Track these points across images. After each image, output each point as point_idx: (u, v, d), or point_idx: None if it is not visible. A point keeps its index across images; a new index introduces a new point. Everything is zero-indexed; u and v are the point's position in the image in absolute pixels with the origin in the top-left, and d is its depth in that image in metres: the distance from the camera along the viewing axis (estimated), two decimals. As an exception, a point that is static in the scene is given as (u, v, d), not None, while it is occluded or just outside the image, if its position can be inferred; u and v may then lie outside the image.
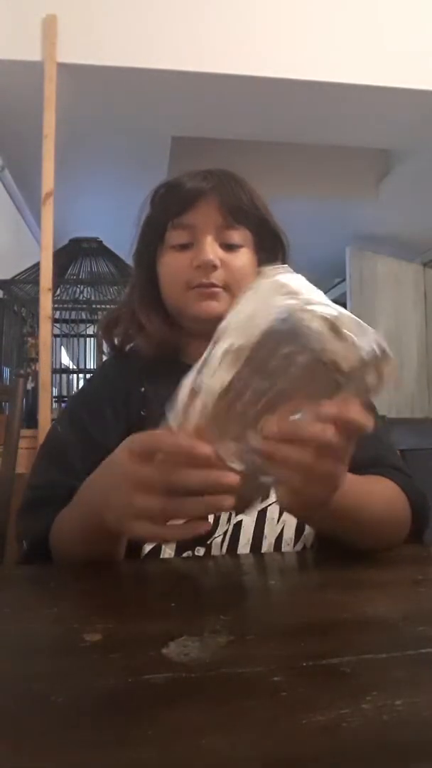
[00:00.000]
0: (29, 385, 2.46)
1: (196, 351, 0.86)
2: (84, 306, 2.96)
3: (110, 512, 0.53)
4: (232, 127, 2.94)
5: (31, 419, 2.28)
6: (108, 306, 3.00)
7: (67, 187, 2.73)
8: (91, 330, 3.06)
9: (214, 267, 0.79)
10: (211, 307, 0.79)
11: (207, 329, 0.84)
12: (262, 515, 0.74)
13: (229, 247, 0.81)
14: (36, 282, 2.28)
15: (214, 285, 0.79)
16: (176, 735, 0.31)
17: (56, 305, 2.62)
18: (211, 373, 0.49)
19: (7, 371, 2.88)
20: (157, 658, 0.40)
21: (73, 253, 2.87)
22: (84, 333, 3.02)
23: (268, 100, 2.60)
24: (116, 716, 0.33)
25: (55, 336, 2.72)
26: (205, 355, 0.51)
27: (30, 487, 0.78)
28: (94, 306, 2.99)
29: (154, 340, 0.84)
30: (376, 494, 0.71)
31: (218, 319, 0.80)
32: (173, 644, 0.42)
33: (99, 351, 3.15)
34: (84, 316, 3.04)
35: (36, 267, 2.41)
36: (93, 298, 2.93)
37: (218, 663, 0.39)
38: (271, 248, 0.85)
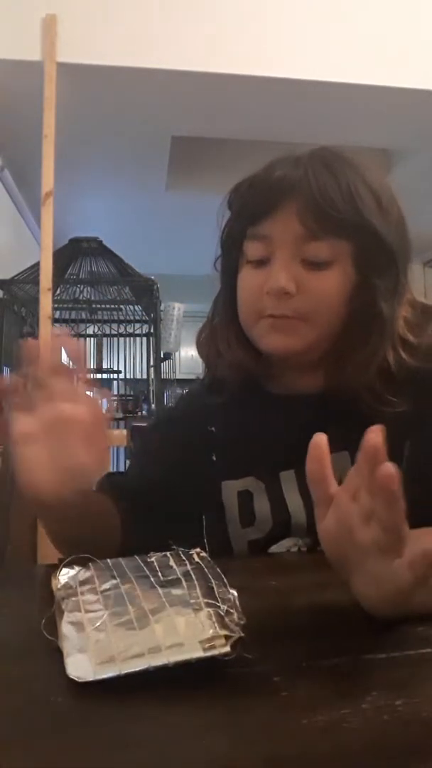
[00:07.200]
0: (29, 385, 2.45)
1: (291, 382, 0.73)
2: (84, 306, 2.96)
3: None
4: (232, 127, 2.94)
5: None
6: (108, 306, 3.01)
7: (67, 187, 2.73)
8: (91, 330, 3.06)
9: (287, 294, 0.64)
10: (280, 342, 0.66)
11: (290, 364, 0.70)
12: None
13: (314, 265, 0.64)
14: (36, 282, 2.27)
15: (286, 316, 0.65)
16: (176, 735, 0.32)
17: (56, 305, 2.62)
18: None
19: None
20: (157, 658, 0.40)
21: (73, 253, 2.86)
22: (84, 333, 3.02)
23: (269, 100, 2.60)
24: (116, 716, 0.33)
25: (55, 336, 2.72)
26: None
27: None
28: (94, 306, 2.99)
29: (234, 369, 0.73)
30: None
31: (293, 355, 0.67)
32: (173, 644, 0.41)
33: (98, 351, 3.15)
34: (84, 316, 3.04)
35: (36, 267, 2.41)
36: (93, 297, 2.93)
37: (218, 663, 0.39)
38: (376, 263, 0.66)
